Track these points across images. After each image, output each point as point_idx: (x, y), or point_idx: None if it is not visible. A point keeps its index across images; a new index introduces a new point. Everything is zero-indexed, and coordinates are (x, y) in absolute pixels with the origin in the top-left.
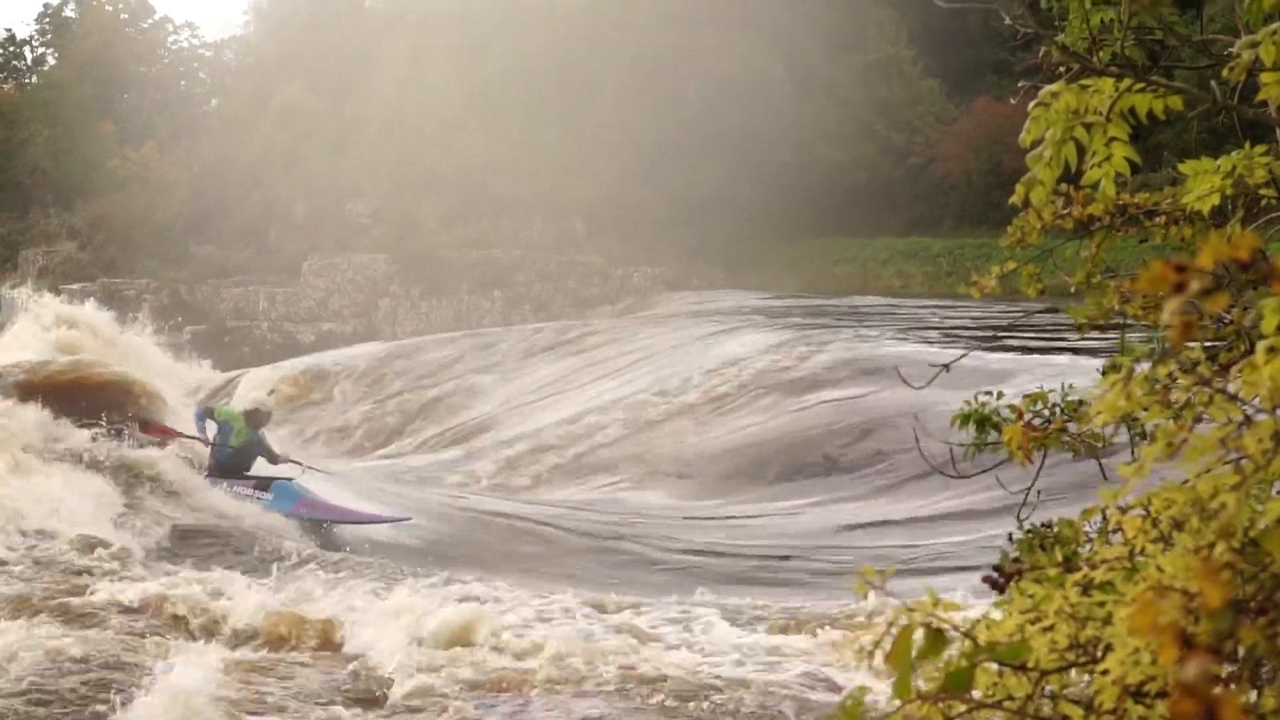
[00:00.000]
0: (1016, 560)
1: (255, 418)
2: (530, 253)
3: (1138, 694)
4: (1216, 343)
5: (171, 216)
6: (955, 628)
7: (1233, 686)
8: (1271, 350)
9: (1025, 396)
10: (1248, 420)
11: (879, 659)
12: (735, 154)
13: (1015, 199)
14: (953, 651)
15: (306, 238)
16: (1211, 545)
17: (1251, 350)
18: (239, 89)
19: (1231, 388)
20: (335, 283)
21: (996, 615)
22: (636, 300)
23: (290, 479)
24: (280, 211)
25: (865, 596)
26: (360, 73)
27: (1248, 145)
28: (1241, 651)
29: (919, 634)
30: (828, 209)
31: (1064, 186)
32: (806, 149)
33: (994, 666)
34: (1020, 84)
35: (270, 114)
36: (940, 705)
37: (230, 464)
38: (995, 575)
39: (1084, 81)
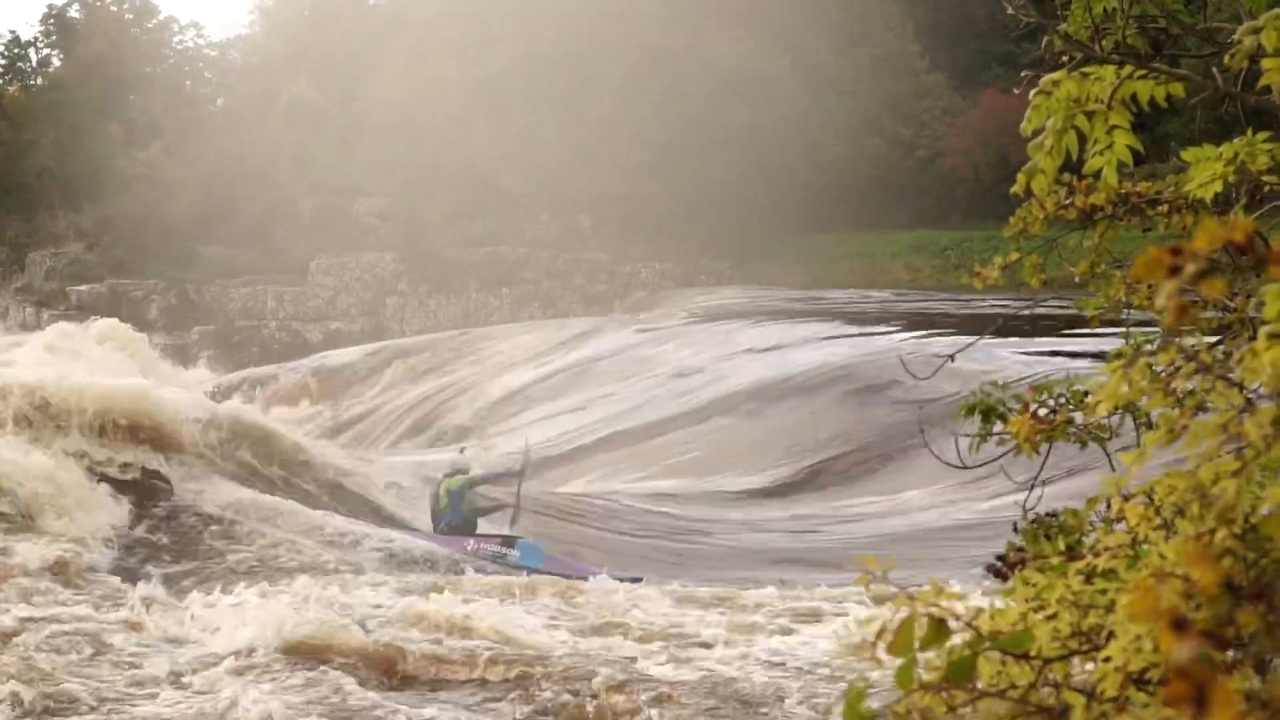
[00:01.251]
0: (1020, 549)
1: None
2: (537, 249)
3: (1140, 681)
4: (1220, 330)
5: (178, 217)
6: (958, 617)
7: (1235, 672)
8: (1273, 336)
9: (1031, 387)
10: (1249, 406)
11: (882, 649)
12: (741, 148)
13: (1017, 188)
14: (955, 641)
15: (314, 237)
16: (1212, 531)
17: (1254, 337)
18: (245, 88)
19: (1233, 374)
20: (343, 281)
21: (1000, 604)
22: (646, 296)
23: (523, 537)
24: (287, 211)
25: (867, 588)
26: (365, 70)
27: (1250, 132)
28: (1245, 638)
29: (922, 623)
30: (835, 203)
31: (1066, 176)
32: (813, 143)
33: (997, 655)
34: (1024, 73)
35: (276, 113)
36: (943, 695)
37: (458, 528)
38: (999, 564)
39: (1085, 70)
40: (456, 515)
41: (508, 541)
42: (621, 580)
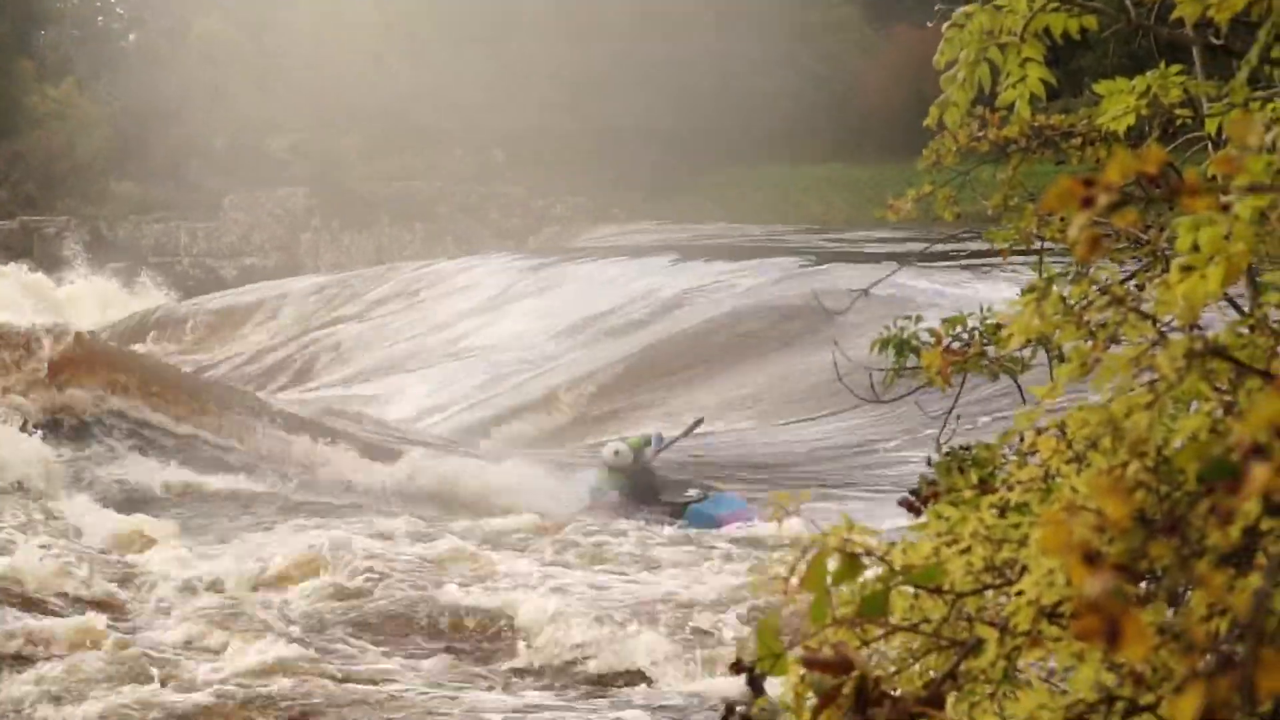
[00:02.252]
0: (933, 483)
1: (618, 461)
2: (451, 184)
3: (1052, 615)
4: (1133, 263)
5: (91, 153)
6: (871, 552)
7: (1148, 605)
8: (1185, 269)
9: (944, 320)
10: (1162, 339)
11: (794, 584)
12: (658, 83)
13: (930, 121)
14: (868, 575)
15: (227, 173)
16: (1125, 464)
17: (1166, 270)
18: (157, 23)
19: (1146, 307)
20: (256, 218)
21: (913, 539)
22: (559, 231)
23: (698, 501)
24: (200, 147)
25: (780, 522)
26: (279, 5)
27: (1163, 65)
28: (1159, 571)
29: (834, 558)
30: (749, 138)
31: (979, 109)
32: (726, 77)
33: (910, 590)
34: (937, 7)
35: (189, 48)
36: (856, 629)
37: (639, 494)
38: (912, 498)
39: (999, 2)
40: (626, 487)
41: (676, 512)
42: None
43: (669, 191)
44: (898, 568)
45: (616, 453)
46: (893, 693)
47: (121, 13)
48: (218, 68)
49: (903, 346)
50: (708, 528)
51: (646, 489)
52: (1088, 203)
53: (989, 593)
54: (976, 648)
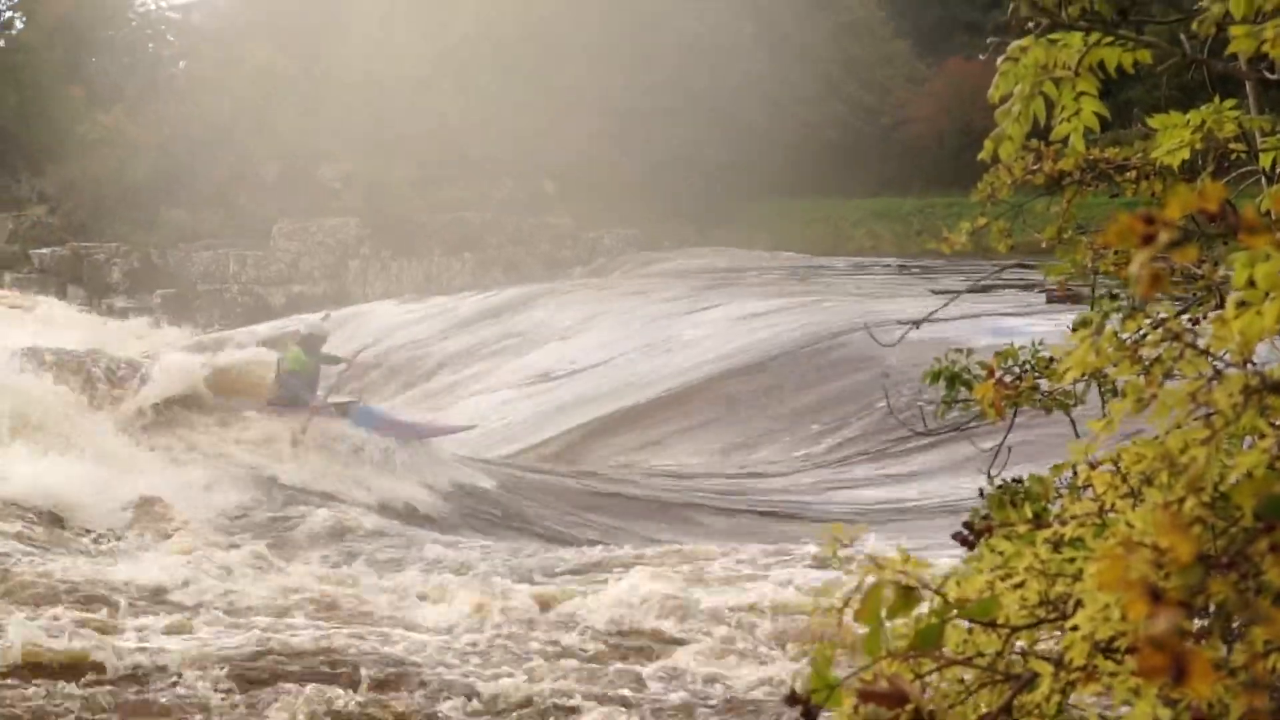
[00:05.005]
0: (986, 517)
1: (310, 342)
2: (501, 214)
3: (1108, 650)
4: (1188, 298)
5: (141, 180)
6: (925, 585)
7: (1203, 642)
8: (1241, 304)
9: (996, 354)
10: (1218, 375)
11: (849, 616)
12: (706, 114)
13: (984, 155)
14: (923, 609)
15: (276, 201)
16: (1181, 500)
17: (1222, 304)
18: (207, 51)
19: (1201, 342)
20: (306, 245)
21: (967, 572)
22: (607, 263)
23: (358, 401)
24: (250, 174)
25: (835, 555)
26: (330, 33)
27: (1217, 99)
28: (1213, 607)
29: (889, 591)
30: (798, 169)
31: (1034, 142)
32: (777, 109)
33: (964, 623)
34: (990, 40)
35: (240, 76)
36: (910, 662)
37: (292, 394)
38: (965, 532)
39: (1053, 36)
40: (305, 386)
41: (340, 409)
42: (455, 431)
43: (718, 222)
44: (952, 601)
45: (326, 316)
46: None
47: (172, 39)
48: (267, 96)
49: (954, 379)
50: (369, 422)
51: (310, 385)
52: (1148, 239)
53: (1043, 627)
54: (1031, 682)
